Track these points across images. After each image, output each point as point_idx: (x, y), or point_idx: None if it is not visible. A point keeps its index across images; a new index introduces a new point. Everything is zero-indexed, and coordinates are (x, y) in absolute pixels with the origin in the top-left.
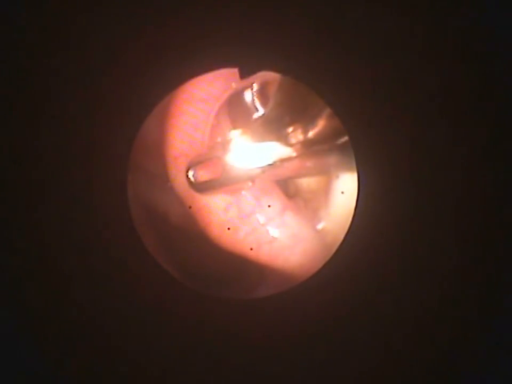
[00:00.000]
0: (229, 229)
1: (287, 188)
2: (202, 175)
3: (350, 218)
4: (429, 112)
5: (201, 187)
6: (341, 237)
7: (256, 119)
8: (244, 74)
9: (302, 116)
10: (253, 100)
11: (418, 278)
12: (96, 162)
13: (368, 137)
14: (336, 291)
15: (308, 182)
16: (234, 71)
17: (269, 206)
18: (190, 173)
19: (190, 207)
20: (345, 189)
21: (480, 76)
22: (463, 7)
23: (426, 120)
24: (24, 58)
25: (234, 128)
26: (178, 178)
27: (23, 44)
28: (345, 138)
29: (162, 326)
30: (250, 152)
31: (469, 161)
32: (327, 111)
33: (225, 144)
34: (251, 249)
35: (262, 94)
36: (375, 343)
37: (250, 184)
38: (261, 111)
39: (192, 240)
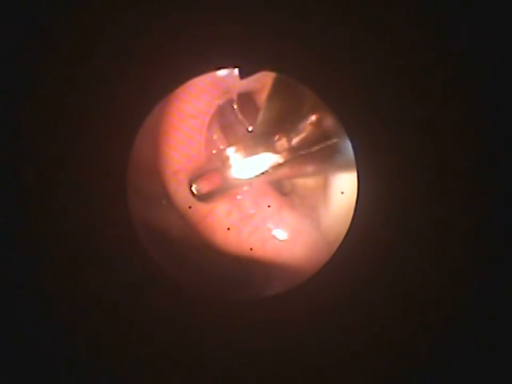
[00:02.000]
0: (228, 229)
1: (282, 186)
2: (204, 187)
3: (350, 218)
4: (429, 112)
5: (203, 197)
6: (341, 236)
7: (245, 135)
8: (243, 74)
9: (289, 126)
10: (237, 115)
11: (419, 278)
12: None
13: (368, 137)
14: (336, 291)
15: (304, 180)
16: (219, 88)
17: (269, 206)
18: (194, 186)
19: (190, 207)
20: (344, 188)
21: (481, 79)
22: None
23: (427, 120)
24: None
25: (229, 145)
26: (179, 192)
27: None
28: (333, 140)
29: (174, 332)
30: (244, 165)
31: (469, 162)
32: (313, 118)
33: (221, 159)
34: (251, 249)
35: (246, 109)
36: (376, 342)
37: (245, 188)
38: (247, 124)
39: (197, 247)
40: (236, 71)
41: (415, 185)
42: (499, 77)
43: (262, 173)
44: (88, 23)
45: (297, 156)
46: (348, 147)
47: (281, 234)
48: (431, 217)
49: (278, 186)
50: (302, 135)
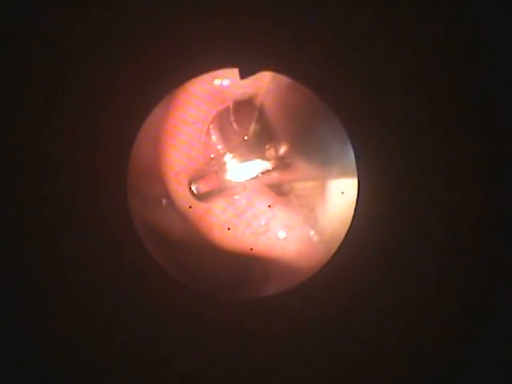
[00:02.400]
0: (229, 229)
1: (280, 187)
2: (202, 187)
3: (350, 218)
4: (430, 113)
5: (202, 197)
6: (341, 237)
7: (241, 142)
8: (244, 74)
9: (280, 135)
10: (232, 125)
11: (419, 278)
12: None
13: (368, 137)
14: (335, 292)
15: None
16: (217, 97)
17: (269, 206)
18: (193, 186)
19: (190, 207)
20: (345, 188)
21: (483, 82)
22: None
23: (427, 121)
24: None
25: (226, 150)
26: (180, 192)
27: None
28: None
29: (176, 331)
30: (239, 169)
31: (468, 162)
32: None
33: (219, 162)
34: (251, 249)
35: (240, 119)
36: (375, 342)
37: (241, 189)
38: (242, 133)
39: (196, 247)
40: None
41: (416, 185)
42: (501, 77)
43: (255, 177)
44: (89, 22)
45: (284, 163)
46: (346, 153)
47: (279, 234)
48: (431, 217)
49: (276, 187)
50: (287, 146)
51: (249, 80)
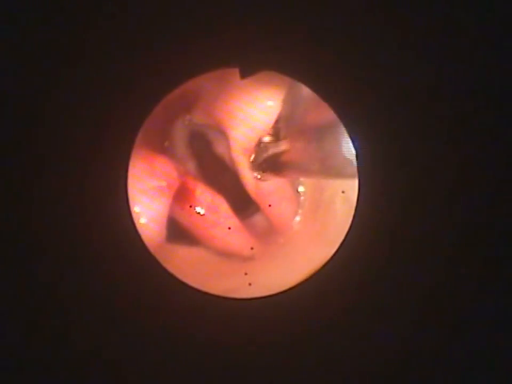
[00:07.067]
0: (229, 228)
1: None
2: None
3: (350, 218)
4: (430, 112)
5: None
6: (341, 237)
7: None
8: (244, 74)
9: None
10: None
11: (419, 278)
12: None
13: (368, 137)
14: (335, 292)
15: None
16: None
17: (269, 205)
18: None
19: (190, 207)
20: (345, 188)
21: (484, 80)
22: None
23: (428, 120)
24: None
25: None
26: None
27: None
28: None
29: (175, 331)
30: None
31: (468, 163)
32: None
33: None
34: (252, 248)
35: None
36: (376, 342)
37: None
38: None
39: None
40: None
41: (416, 186)
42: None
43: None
44: (95, 21)
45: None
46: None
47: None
48: (432, 217)
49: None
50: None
51: None
